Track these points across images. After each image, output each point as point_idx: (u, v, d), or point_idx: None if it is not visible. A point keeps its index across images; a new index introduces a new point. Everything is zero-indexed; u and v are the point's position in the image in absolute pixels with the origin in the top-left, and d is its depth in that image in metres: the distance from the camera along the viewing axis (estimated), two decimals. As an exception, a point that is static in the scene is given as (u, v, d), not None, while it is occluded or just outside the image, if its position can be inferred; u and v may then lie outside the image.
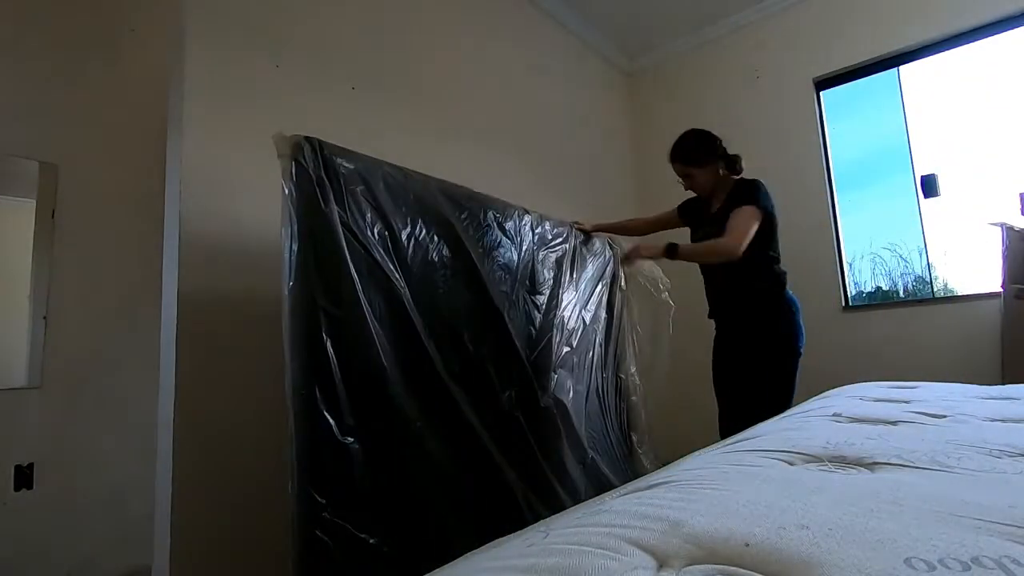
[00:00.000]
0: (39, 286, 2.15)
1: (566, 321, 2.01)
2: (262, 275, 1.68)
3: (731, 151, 2.24)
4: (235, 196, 1.65)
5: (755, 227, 1.83)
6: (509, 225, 1.85)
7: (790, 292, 1.96)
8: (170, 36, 1.69)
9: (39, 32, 2.21)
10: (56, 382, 2.14)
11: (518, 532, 0.66)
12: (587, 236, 2.21)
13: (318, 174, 1.27)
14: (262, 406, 1.61)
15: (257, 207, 1.70)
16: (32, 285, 2.15)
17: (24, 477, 2.03)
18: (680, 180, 2.04)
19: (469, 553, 0.64)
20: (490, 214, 1.78)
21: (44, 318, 2.14)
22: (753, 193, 1.89)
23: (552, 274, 1.98)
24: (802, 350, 1.90)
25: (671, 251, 1.88)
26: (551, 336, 1.91)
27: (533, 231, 1.94)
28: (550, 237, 2.02)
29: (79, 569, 2.09)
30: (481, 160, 2.60)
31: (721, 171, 2.00)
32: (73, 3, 2.31)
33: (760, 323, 1.92)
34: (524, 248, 1.87)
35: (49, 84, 2.22)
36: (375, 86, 2.15)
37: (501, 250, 1.78)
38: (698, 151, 2.00)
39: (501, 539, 0.66)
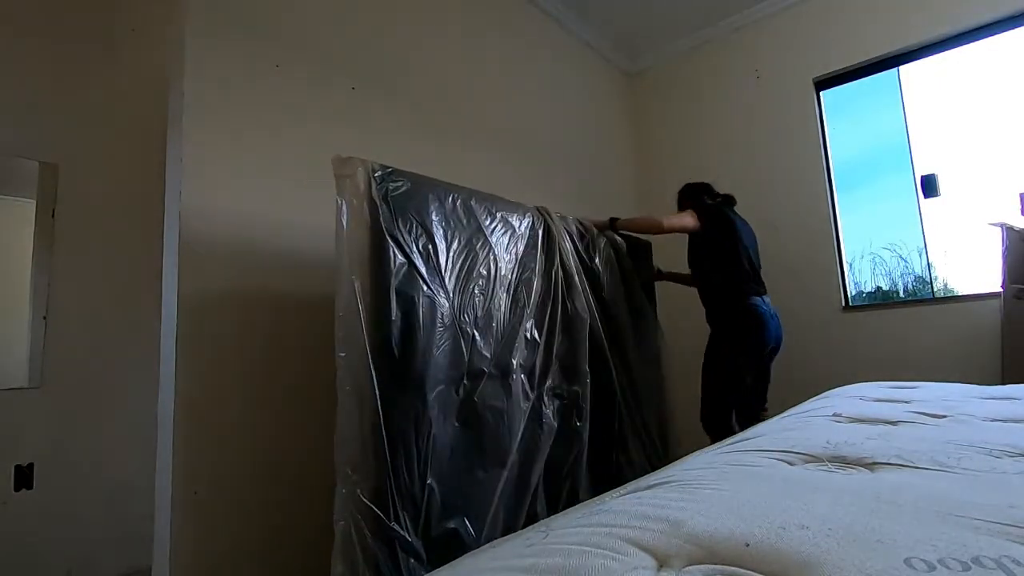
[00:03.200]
0: (39, 286, 2.15)
1: (599, 319, 2.06)
2: (263, 274, 1.69)
3: (731, 151, 2.43)
4: (235, 196, 1.65)
5: (688, 221, 2.22)
6: (546, 232, 1.95)
7: (755, 300, 2.20)
8: (170, 36, 1.69)
9: (39, 32, 2.21)
10: (56, 382, 2.14)
11: (518, 532, 0.66)
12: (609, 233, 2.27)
13: (370, 191, 1.35)
14: (262, 406, 1.62)
15: (258, 206, 1.70)
16: (32, 285, 2.15)
17: (24, 477, 2.03)
18: None
19: (469, 553, 0.64)
20: (527, 220, 1.87)
21: (44, 318, 2.14)
22: (701, 208, 2.29)
23: (584, 272, 2.06)
24: (756, 354, 2.18)
25: (612, 222, 2.23)
26: (582, 333, 1.97)
27: (572, 236, 2.06)
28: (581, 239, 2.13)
29: (79, 569, 2.09)
30: (481, 160, 2.60)
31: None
32: (73, 3, 2.31)
33: (717, 325, 2.26)
34: (567, 250, 1.99)
35: (49, 84, 2.22)
36: (375, 86, 2.15)
37: (545, 257, 1.89)
38: (682, 196, 2.49)
39: (501, 539, 0.66)
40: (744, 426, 2.15)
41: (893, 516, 0.55)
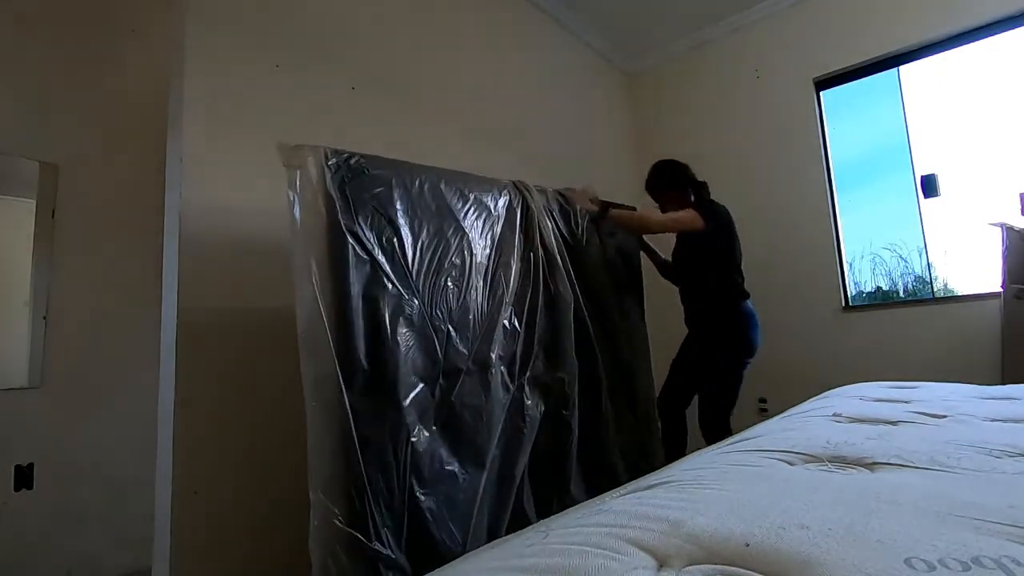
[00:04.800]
0: (39, 286, 2.15)
1: (583, 299, 1.95)
2: (263, 275, 1.69)
3: (731, 151, 2.31)
4: (235, 196, 1.65)
5: (694, 222, 2.03)
6: (524, 213, 1.82)
7: (748, 305, 2.16)
8: (170, 36, 1.69)
9: (39, 32, 2.21)
10: (56, 382, 2.14)
11: (518, 532, 0.66)
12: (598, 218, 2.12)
13: (324, 183, 1.25)
14: (262, 406, 1.62)
15: (257, 207, 1.70)
16: (32, 285, 2.15)
17: (24, 477, 2.03)
18: (656, 207, 2.29)
19: (469, 553, 0.64)
20: (503, 198, 1.74)
21: (44, 318, 2.14)
22: (704, 207, 2.13)
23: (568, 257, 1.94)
24: (748, 356, 2.15)
25: (605, 211, 2.09)
26: (567, 316, 1.84)
27: (552, 212, 1.93)
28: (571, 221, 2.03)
29: (79, 569, 2.09)
30: (481, 161, 2.59)
31: (692, 198, 2.21)
32: (73, 3, 2.31)
33: (711, 328, 2.17)
34: (548, 233, 1.87)
35: (49, 84, 2.22)
36: (375, 86, 2.15)
37: (525, 237, 1.77)
38: (662, 180, 2.26)
39: (501, 539, 0.66)
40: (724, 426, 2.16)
41: (893, 516, 0.55)
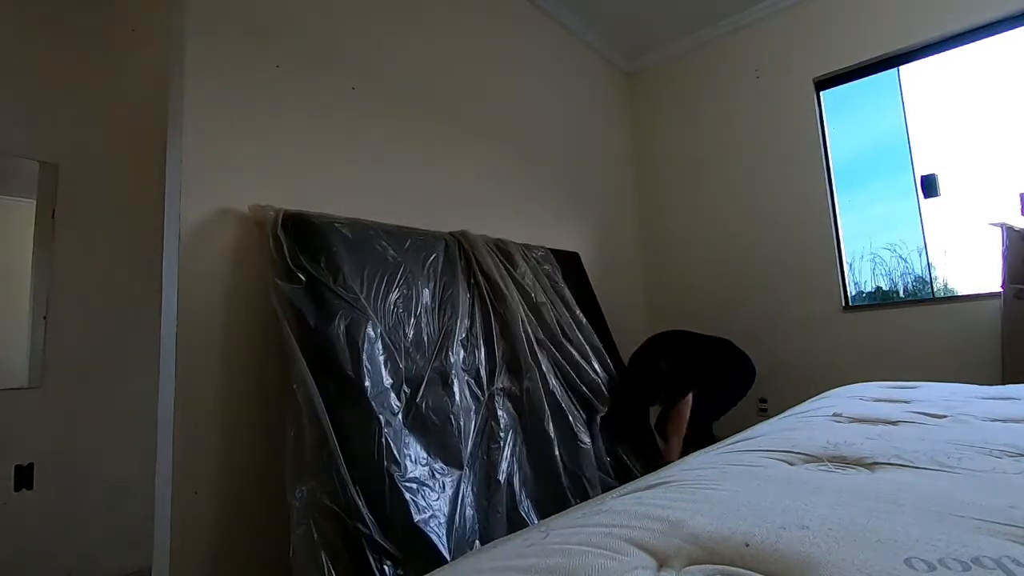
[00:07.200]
0: (39, 286, 2.15)
1: (534, 319, 2.19)
2: (262, 275, 1.69)
3: (731, 151, 2.60)
4: (235, 195, 1.65)
5: (688, 403, 2.48)
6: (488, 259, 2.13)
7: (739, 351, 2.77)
8: (170, 36, 1.69)
9: (39, 32, 2.21)
10: (56, 382, 2.14)
11: (518, 532, 0.66)
12: None
13: (276, 235, 1.55)
14: (262, 405, 1.62)
15: (257, 206, 1.70)
16: (32, 285, 2.15)
17: (24, 477, 2.03)
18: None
19: (468, 553, 0.64)
20: (440, 243, 1.99)
21: (44, 318, 2.14)
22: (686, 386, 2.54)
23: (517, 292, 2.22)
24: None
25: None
26: (519, 333, 2.07)
27: (492, 251, 2.22)
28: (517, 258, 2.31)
29: (79, 569, 2.09)
30: (480, 161, 2.60)
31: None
32: (73, 3, 2.31)
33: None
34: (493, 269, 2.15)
35: (49, 84, 2.22)
36: (375, 86, 2.15)
37: (468, 268, 2.06)
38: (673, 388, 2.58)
39: (500, 539, 0.66)
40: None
41: (893, 516, 0.55)
